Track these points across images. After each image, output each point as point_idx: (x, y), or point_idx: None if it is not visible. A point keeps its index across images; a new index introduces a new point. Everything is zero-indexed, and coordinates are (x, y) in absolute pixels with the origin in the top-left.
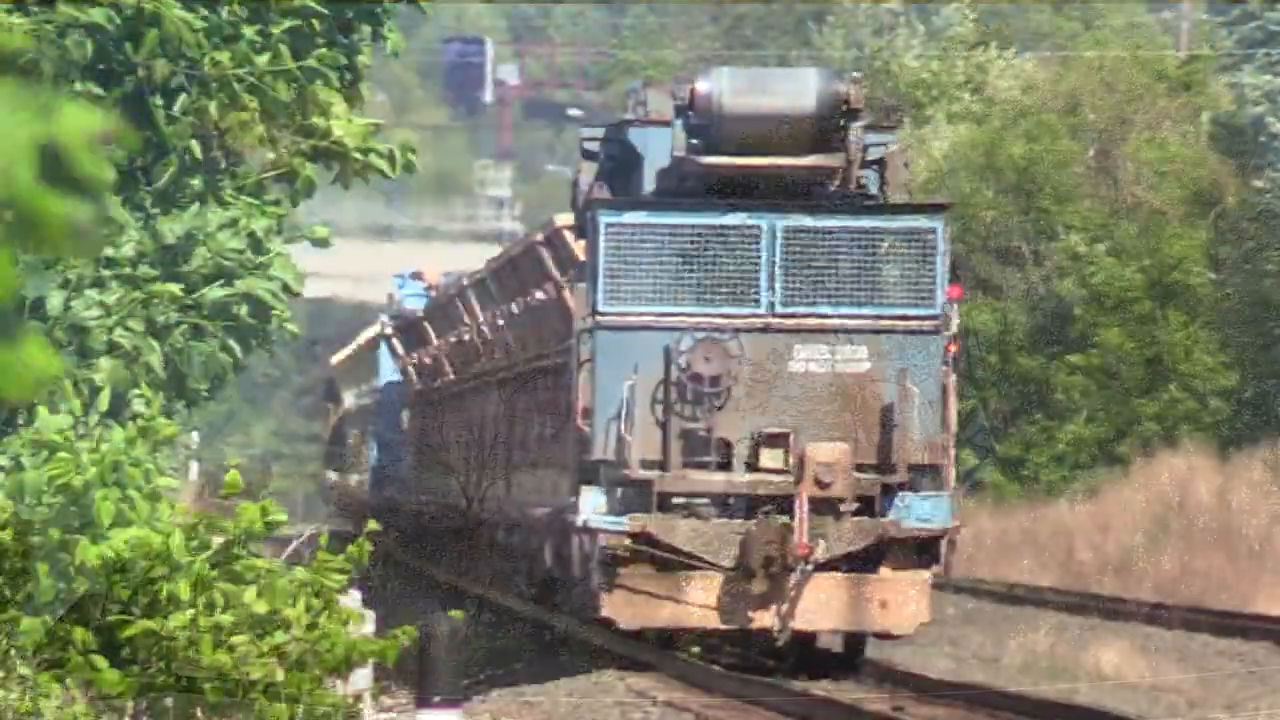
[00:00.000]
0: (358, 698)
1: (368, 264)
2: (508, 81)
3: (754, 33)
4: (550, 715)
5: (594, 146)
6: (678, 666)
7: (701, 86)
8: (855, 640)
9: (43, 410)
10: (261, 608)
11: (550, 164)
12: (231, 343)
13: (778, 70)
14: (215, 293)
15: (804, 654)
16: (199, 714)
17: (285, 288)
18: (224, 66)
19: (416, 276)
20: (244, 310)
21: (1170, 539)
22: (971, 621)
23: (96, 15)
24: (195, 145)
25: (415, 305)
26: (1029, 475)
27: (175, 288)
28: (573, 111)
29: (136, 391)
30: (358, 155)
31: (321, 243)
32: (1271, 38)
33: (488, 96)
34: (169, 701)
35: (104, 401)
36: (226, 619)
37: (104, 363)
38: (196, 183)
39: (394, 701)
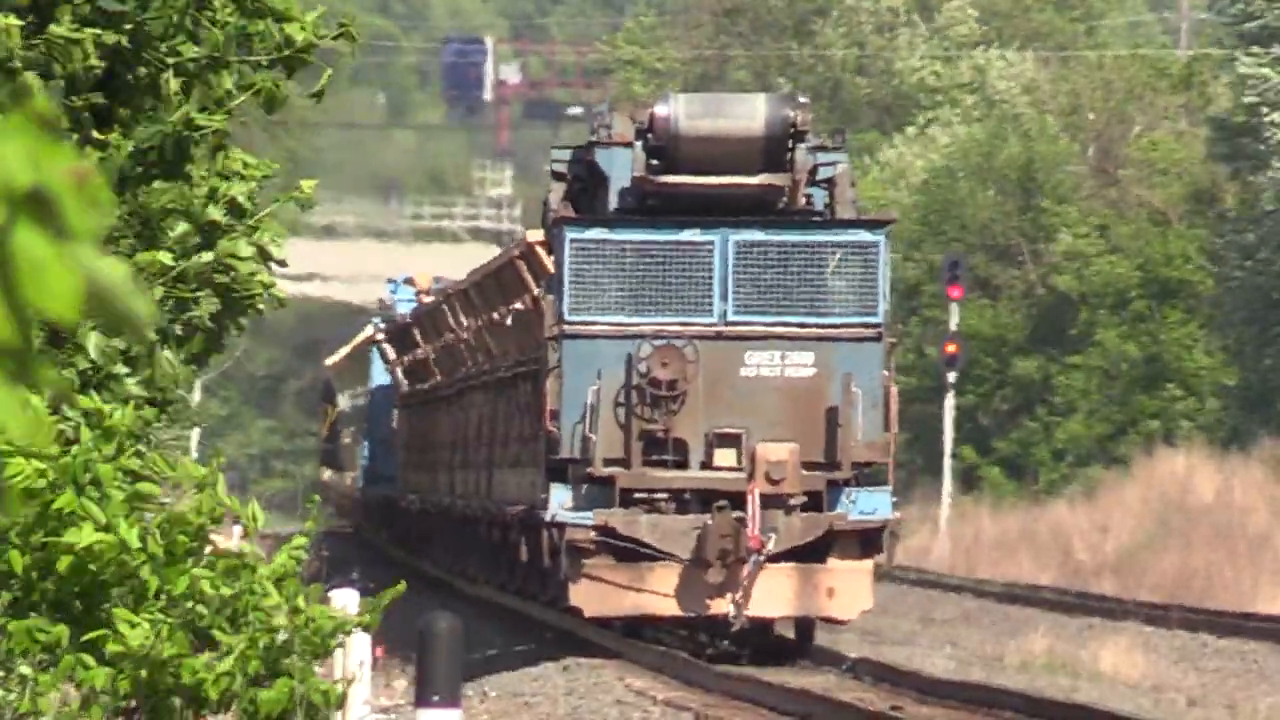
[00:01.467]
0: (350, 680)
1: (366, 264)
2: (507, 81)
3: (754, 31)
4: (550, 715)
5: (562, 167)
6: (674, 665)
7: (659, 110)
8: (805, 626)
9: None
10: (226, 591)
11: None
12: (216, 305)
13: (730, 95)
14: (200, 259)
15: (762, 640)
16: (189, 715)
17: (263, 252)
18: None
19: (409, 282)
20: (229, 277)
21: (1170, 538)
22: (971, 621)
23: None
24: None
25: (407, 310)
26: (1027, 471)
27: (165, 255)
28: (573, 110)
29: (126, 371)
30: (309, 51)
31: (307, 202)
32: (1274, 34)
33: (487, 96)
34: (172, 701)
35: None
36: (199, 612)
37: (91, 336)
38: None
39: (393, 702)
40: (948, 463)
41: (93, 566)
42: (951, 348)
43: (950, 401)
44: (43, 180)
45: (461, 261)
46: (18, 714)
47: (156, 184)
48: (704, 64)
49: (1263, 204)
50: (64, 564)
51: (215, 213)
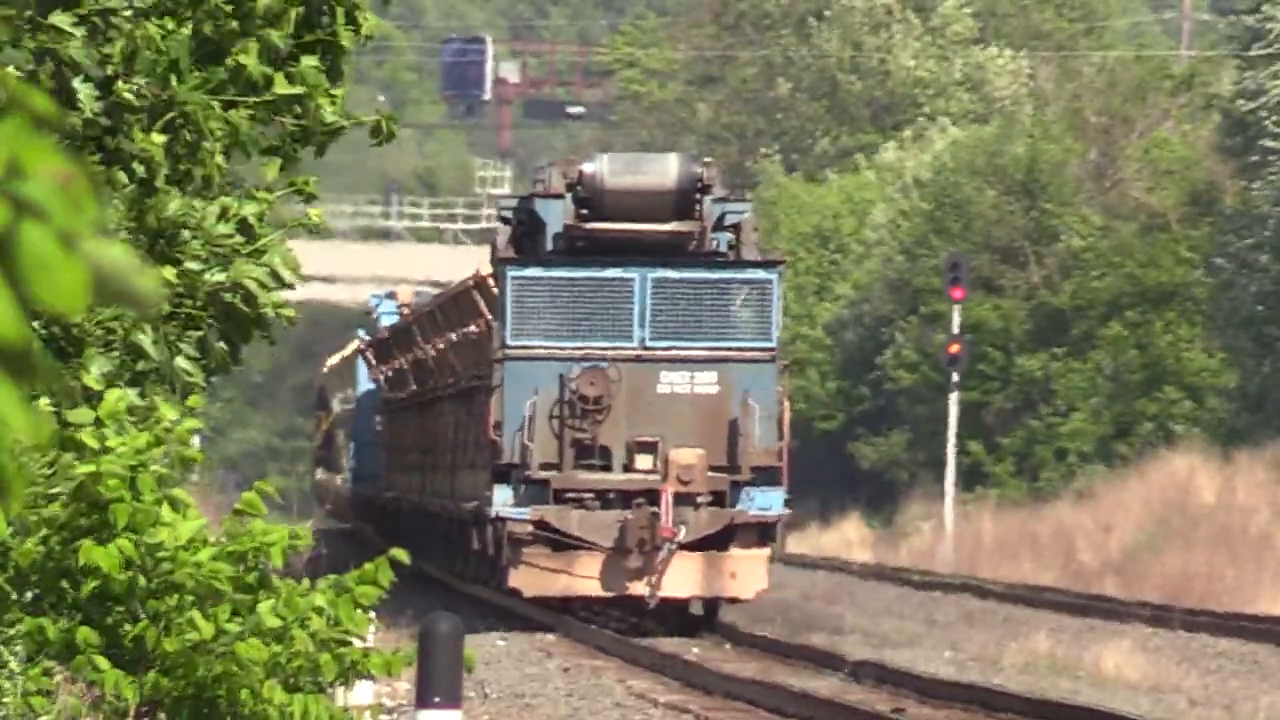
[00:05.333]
0: (364, 709)
1: (367, 266)
2: (507, 79)
3: (754, 31)
4: (551, 717)
5: (508, 213)
6: (675, 666)
7: (587, 168)
8: (711, 604)
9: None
10: (275, 622)
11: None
12: (228, 332)
13: (647, 154)
14: (210, 278)
15: (679, 617)
16: None
17: (274, 275)
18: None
19: (391, 296)
20: (238, 298)
21: (1172, 539)
22: (973, 623)
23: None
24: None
25: (389, 322)
26: (1029, 471)
27: (169, 271)
28: (572, 110)
29: (134, 389)
30: (337, 129)
31: (316, 229)
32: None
33: (487, 95)
34: (170, 706)
35: (110, 401)
36: (234, 628)
37: (96, 359)
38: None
39: (394, 703)
40: (951, 463)
41: (125, 576)
42: (954, 348)
43: (954, 401)
44: (27, 183)
45: (462, 262)
46: (16, 716)
47: (161, 192)
48: (705, 64)
49: (1262, 208)
50: (109, 562)
51: (225, 229)
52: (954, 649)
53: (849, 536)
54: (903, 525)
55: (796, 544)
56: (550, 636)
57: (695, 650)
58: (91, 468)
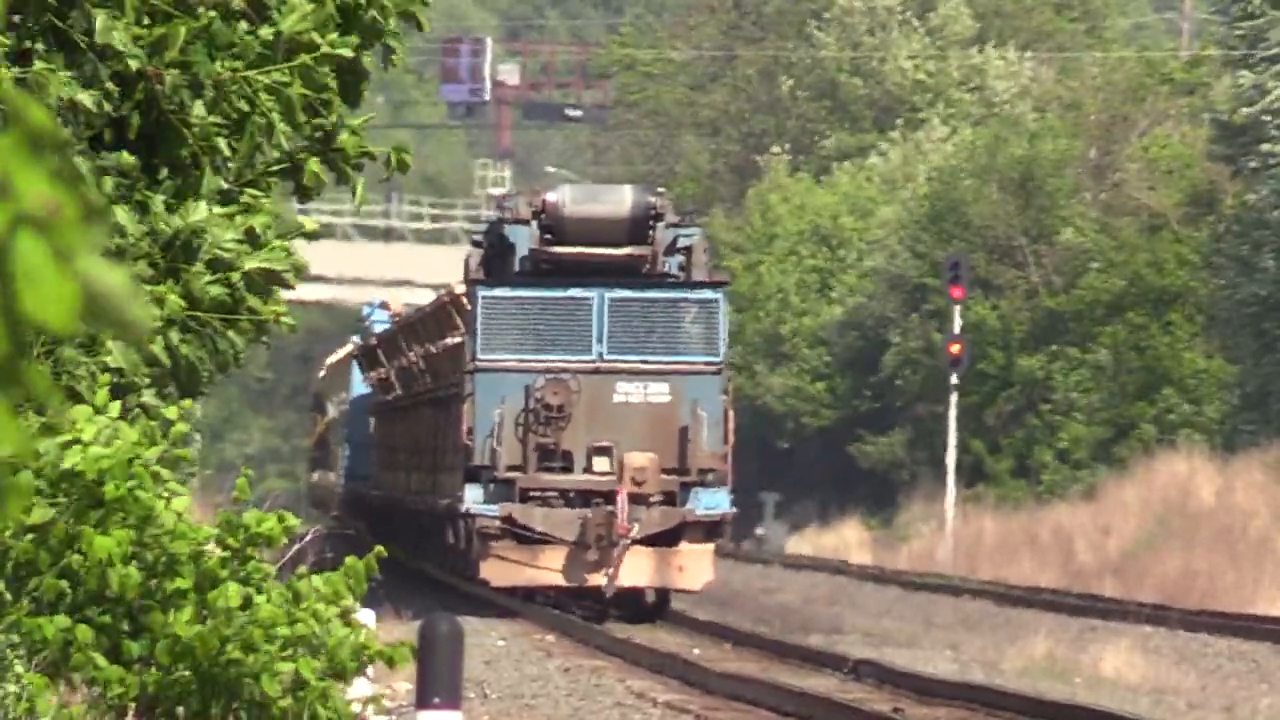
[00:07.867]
0: (366, 701)
1: (367, 266)
2: (505, 81)
3: (754, 31)
4: (551, 717)
5: (480, 237)
6: (675, 666)
7: (550, 197)
8: (662, 594)
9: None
10: (272, 611)
11: (550, 164)
12: (232, 335)
13: (604, 185)
14: (214, 290)
15: (634, 606)
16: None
17: (277, 279)
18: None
19: (384, 306)
20: (243, 303)
21: (1171, 540)
22: (972, 625)
23: (86, 100)
24: (222, 144)
25: (380, 330)
26: (1030, 471)
27: (176, 296)
28: (571, 111)
29: (147, 380)
30: (355, 160)
31: (312, 236)
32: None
33: (487, 96)
34: (179, 710)
35: (103, 396)
36: (236, 620)
37: (114, 347)
38: (206, 181)
39: (394, 704)
40: (951, 464)
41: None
42: (955, 348)
43: (954, 402)
44: (21, 204)
45: (461, 262)
46: (15, 716)
47: (161, 200)
48: (705, 64)
49: (1262, 210)
50: (102, 545)
51: (232, 233)
52: (954, 650)
53: (848, 537)
54: (902, 526)
55: (796, 544)
56: (550, 636)
57: (696, 650)
58: (77, 459)
